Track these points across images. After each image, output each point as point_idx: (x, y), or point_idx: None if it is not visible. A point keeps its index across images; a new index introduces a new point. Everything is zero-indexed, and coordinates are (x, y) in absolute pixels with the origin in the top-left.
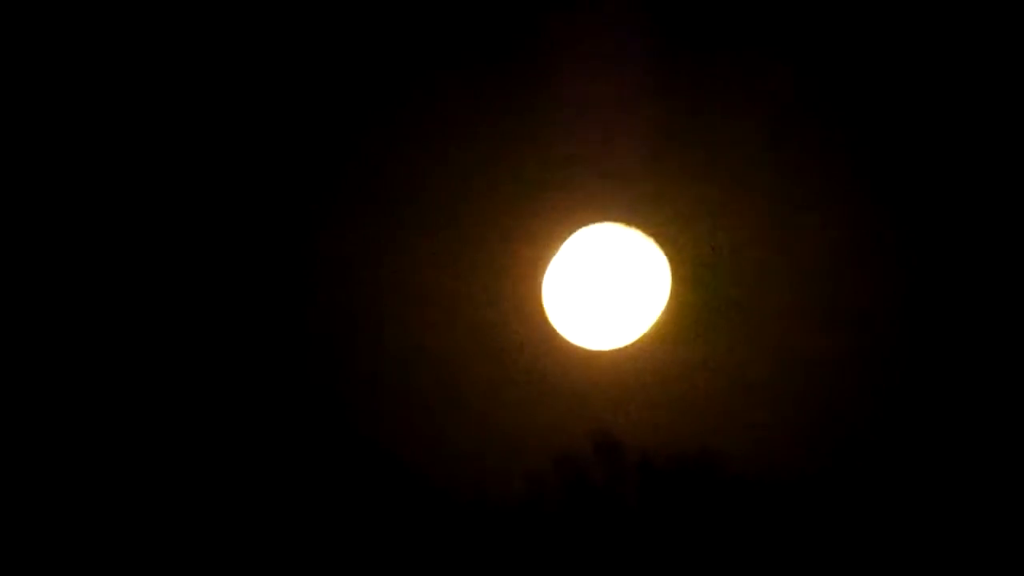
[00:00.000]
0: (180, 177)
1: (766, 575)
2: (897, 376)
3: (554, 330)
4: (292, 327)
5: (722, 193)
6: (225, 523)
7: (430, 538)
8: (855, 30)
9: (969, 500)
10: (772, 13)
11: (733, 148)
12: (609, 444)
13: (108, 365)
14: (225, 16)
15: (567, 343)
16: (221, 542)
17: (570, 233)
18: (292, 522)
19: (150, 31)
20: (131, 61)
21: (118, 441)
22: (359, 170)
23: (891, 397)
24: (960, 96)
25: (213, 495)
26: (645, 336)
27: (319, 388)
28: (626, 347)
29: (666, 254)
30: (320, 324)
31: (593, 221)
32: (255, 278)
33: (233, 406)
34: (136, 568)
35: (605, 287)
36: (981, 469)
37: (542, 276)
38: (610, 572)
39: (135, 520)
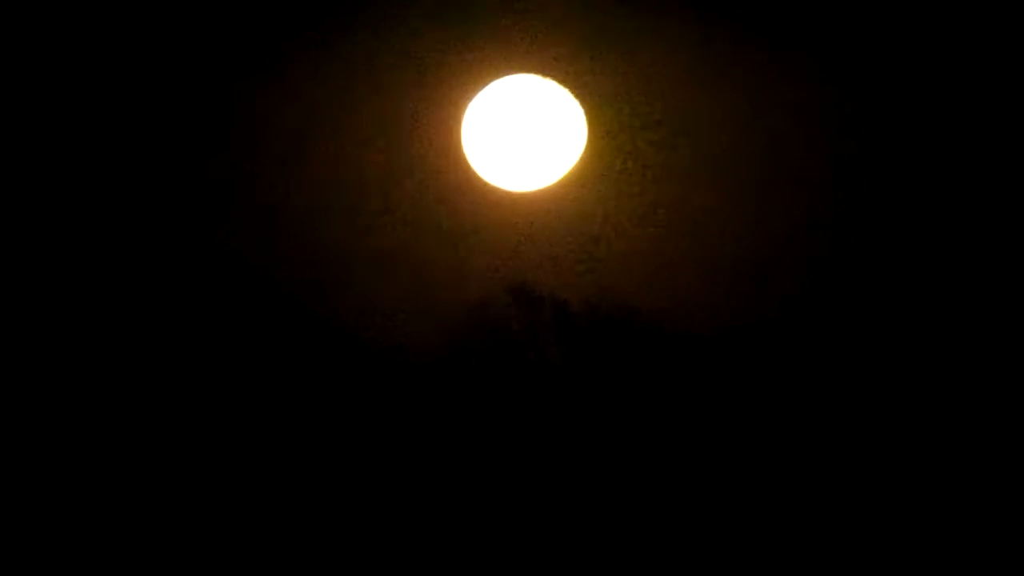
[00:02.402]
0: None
1: (677, 425)
2: (816, 223)
3: (473, 171)
4: (213, 175)
5: (642, 46)
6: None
7: (341, 390)
8: None
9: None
10: None
11: (659, 5)
12: (527, 288)
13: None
14: None
15: (485, 184)
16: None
17: (490, 81)
18: (195, 370)
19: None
20: None
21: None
22: (280, 16)
23: (807, 244)
24: None
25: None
26: (563, 179)
27: (236, 240)
28: (543, 189)
29: (583, 105)
30: (239, 172)
31: (513, 71)
32: (182, 121)
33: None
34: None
35: (523, 132)
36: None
37: (461, 120)
38: (526, 424)
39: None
